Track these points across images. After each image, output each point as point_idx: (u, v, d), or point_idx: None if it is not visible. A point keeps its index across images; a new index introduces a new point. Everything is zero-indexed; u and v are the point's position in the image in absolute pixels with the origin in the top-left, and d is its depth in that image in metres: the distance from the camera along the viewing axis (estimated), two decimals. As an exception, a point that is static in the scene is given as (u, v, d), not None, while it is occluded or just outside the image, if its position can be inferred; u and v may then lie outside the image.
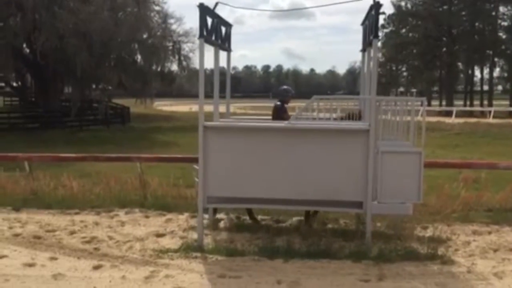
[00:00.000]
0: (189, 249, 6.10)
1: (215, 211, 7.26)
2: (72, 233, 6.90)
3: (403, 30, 56.18)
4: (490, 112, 39.11)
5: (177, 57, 35.15)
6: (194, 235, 6.56)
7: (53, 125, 28.61)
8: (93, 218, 7.71)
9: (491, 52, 51.30)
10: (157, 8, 34.84)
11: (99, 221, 7.53)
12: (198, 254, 5.94)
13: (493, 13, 51.30)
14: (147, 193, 8.85)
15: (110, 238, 6.68)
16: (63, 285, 5.09)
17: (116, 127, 30.09)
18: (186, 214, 7.81)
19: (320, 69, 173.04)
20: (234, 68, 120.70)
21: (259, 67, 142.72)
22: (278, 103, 7.48)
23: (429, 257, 5.83)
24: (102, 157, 9.68)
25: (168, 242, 6.49)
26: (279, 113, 7.27)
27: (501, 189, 8.60)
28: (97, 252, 6.10)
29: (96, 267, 5.56)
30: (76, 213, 8.01)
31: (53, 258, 5.86)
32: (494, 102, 51.10)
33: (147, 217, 7.82)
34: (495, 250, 6.20)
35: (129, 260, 5.81)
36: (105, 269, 5.53)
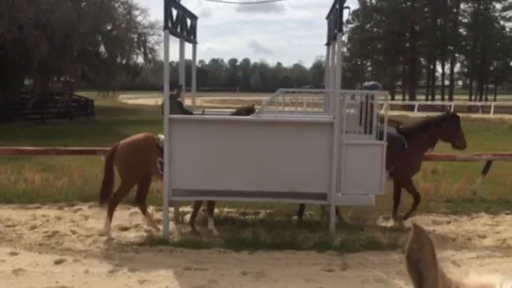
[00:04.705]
0: (155, 243, 6.06)
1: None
2: (33, 227, 6.74)
3: (368, 26, 56.99)
4: (450, 106, 40.16)
5: (142, 49, 34.57)
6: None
7: (12, 117, 27.71)
8: (55, 213, 7.54)
9: (452, 48, 52.69)
10: (121, -1, 34.08)
11: (61, 216, 7.38)
12: (164, 247, 5.91)
13: (454, 10, 52.69)
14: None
15: (73, 232, 6.56)
16: (24, 280, 4.98)
17: (80, 120, 29.37)
18: (152, 208, 7.74)
19: (287, 63, 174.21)
20: (201, 61, 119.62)
21: (226, 60, 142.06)
22: None
23: (391, 246, 5.99)
24: (65, 150, 9.08)
25: (133, 236, 6.43)
26: None
27: (459, 180, 8.91)
28: (59, 247, 5.98)
29: (58, 262, 5.46)
30: (38, 208, 7.80)
31: (13, 253, 5.72)
32: (455, 97, 52.55)
33: (111, 211, 7.69)
34: (454, 239, 6.43)
35: (93, 255, 5.73)
36: (68, 263, 5.43)
